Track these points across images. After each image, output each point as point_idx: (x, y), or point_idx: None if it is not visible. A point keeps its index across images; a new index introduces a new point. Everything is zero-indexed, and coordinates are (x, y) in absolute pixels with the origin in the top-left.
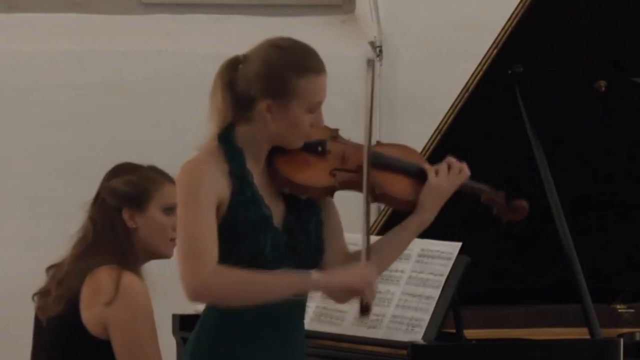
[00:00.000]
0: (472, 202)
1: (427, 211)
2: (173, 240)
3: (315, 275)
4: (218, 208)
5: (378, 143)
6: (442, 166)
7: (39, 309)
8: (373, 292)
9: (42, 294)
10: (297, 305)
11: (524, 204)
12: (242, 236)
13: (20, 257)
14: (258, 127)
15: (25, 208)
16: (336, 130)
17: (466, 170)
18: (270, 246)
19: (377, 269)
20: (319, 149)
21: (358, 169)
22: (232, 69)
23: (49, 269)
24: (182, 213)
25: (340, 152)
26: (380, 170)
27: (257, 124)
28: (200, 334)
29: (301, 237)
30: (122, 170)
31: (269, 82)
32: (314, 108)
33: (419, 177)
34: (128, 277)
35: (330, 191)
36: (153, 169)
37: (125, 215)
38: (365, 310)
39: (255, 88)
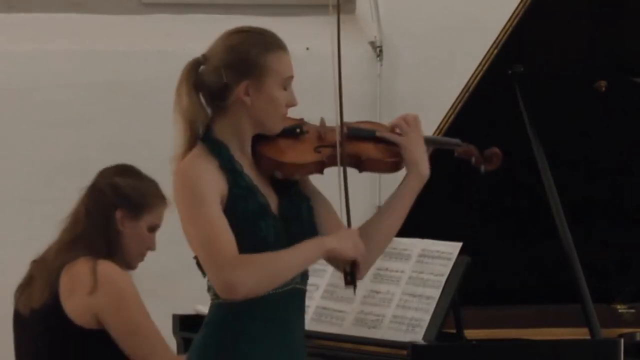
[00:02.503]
0: (471, 202)
1: (419, 164)
2: (143, 256)
3: (328, 242)
4: (220, 202)
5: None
6: (397, 122)
7: (21, 302)
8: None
9: (24, 286)
10: (299, 297)
11: (496, 150)
12: (245, 227)
13: (20, 257)
14: (236, 116)
15: (25, 208)
16: (302, 119)
17: (417, 117)
18: (273, 234)
19: (385, 235)
20: (298, 130)
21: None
22: (195, 70)
23: (33, 262)
24: (191, 214)
25: (316, 132)
26: (359, 141)
27: (235, 112)
28: (206, 334)
29: (296, 223)
30: (129, 172)
31: (240, 64)
32: (287, 83)
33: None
34: (104, 265)
35: (320, 167)
36: (155, 185)
37: (118, 215)
38: (353, 280)
39: (228, 75)
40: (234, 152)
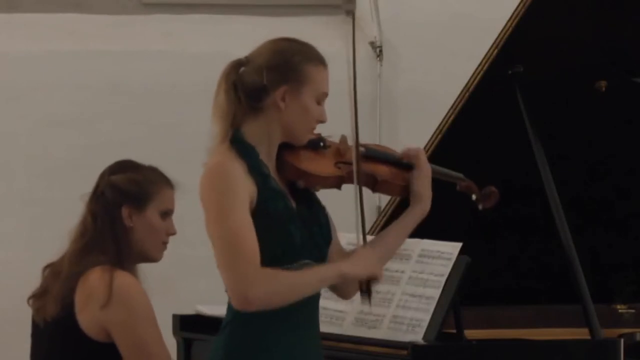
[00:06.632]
0: (471, 202)
1: (423, 198)
2: (165, 244)
3: (344, 267)
4: (250, 204)
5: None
6: (406, 153)
7: (36, 311)
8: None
9: (38, 296)
10: (316, 299)
11: (493, 188)
12: (274, 229)
13: (20, 257)
14: (268, 120)
15: (25, 208)
16: (320, 134)
17: (422, 150)
18: (300, 237)
19: (384, 258)
20: (321, 144)
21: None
22: (235, 70)
23: (45, 268)
24: (218, 217)
25: (335, 148)
26: (375, 162)
27: (268, 115)
28: (228, 337)
29: (317, 229)
30: (125, 166)
31: (282, 68)
32: (321, 99)
33: (403, 167)
34: (121, 278)
35: (339, 182)
36: (155, 171)
37: (124, 212)
38: (369, 292)
39: (269, 76)
40: (262, 157)
